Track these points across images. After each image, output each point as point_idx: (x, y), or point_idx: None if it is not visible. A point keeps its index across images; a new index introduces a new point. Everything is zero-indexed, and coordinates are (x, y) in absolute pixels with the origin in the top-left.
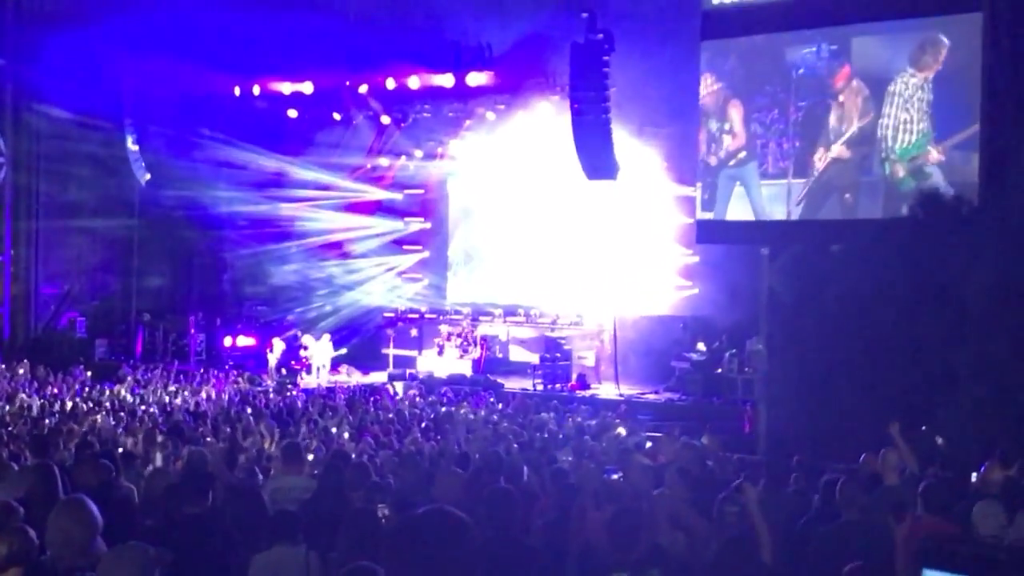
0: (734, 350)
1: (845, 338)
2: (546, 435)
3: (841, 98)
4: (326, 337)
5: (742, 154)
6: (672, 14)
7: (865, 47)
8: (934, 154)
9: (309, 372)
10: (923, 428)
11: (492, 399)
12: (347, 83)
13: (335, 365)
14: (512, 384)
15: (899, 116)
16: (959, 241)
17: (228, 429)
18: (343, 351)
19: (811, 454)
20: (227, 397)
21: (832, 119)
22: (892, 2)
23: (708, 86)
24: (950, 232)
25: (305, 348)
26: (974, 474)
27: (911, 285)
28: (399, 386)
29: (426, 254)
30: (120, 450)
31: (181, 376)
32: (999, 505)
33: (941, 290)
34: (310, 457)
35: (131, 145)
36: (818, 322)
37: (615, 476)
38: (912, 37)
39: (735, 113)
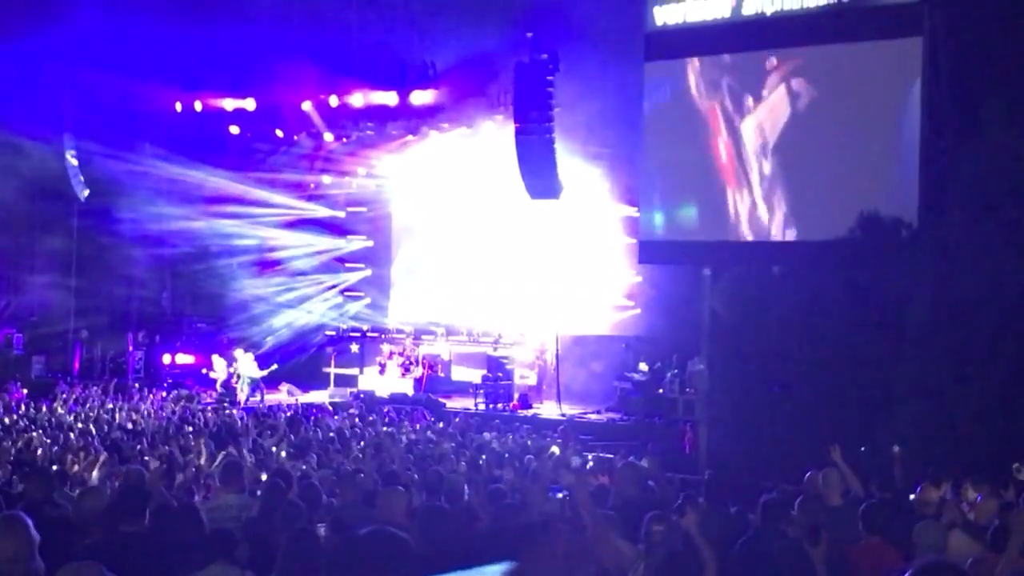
0: (676, 370)
1: (785, 359)
2: (485, 455)
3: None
4: (240, 353)
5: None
6: (617, 35)
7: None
8: None
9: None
10: (862, 449)
11: (431, 418)
12: (290, 100)
13: (275, 383)
14: (454, 403)
15: None
16: (898, 263)
17: (166, 447)
18: (273, 367)
19: (750, 473)
20: (165, 415)
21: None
22: (834, 26)
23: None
24: (889, 254)
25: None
26: (912, 495)
27: (851, 306)
28: (340, 405)
29: (368, 272)
30: (56, 468)
31: (119, 394)
32: (939, 526)
33: (880, 311)
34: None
35: (70, 160)
36: (759, 343)
37: (560, 495)
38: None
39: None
